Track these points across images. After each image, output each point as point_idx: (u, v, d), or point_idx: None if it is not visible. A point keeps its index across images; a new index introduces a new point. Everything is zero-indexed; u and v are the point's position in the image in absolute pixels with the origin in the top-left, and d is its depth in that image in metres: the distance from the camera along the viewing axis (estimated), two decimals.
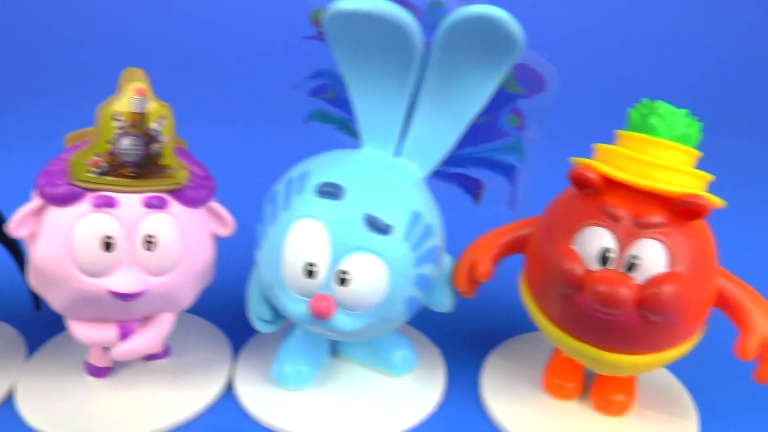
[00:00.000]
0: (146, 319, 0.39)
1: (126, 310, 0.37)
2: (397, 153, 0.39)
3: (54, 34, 1.11)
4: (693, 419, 0.41)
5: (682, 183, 0.35)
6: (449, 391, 0.43)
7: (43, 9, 1.12)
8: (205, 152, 0.40)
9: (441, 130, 0.38)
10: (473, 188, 0.41)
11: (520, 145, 0.40)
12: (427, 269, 0.37)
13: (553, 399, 0.42)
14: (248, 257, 0.40)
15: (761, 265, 0.61)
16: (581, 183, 0.37)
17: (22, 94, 1.00)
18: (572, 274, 0.35)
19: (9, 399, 0.39)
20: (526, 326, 0.46)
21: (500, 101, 0.39)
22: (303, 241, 0.35)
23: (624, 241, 0.35)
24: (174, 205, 0.36)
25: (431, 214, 0.38)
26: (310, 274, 0.36)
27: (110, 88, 0.35)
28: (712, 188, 0.36)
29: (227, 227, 0.39)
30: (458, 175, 0.41)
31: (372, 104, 0.38)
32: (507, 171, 0.41)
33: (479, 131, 0.40)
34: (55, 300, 0.36)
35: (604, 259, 0.35)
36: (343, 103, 0.39)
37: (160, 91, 0.36)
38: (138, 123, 0.34)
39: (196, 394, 0.40)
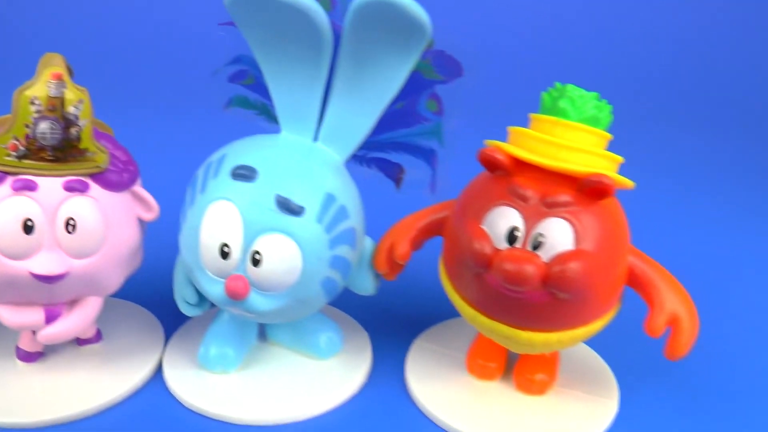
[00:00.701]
0: (73, 303, 0.40)
1: (50, 293, 0.38)
2: (316, 137, 0.40)
3: None
4: (614, 397, 0.42)
5: (590, 164, 0.36)
6: (374, 373, 0.44)
7: None
8: (131, 139, 0.41)
9: (357, 114, 0.39)
10: (394, 173, 0.42)
11: (440, 129, 0.41)
12: (343, 251, 0.38)
13: (476, 380, 0.43)
14: None
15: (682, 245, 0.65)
16: (490, 165, 0.38)
17: None
18: (481, 253, 0.36)
19: None
20: (454, 312, 0.47)
21: (418, 87, 0.40)
22: (217, 223, 0.36)
23: (531, 221, 0.36)
24: (95, 189, 0.37)
25: (347, 197, 0.39)
26: (224, 255, 0.37)
27: (28, 74, 0.36)
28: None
29: (152, 212, 0.40)
30: (379, 160, 0.42)
31: (288, 89, 0.39)
32: (427, 155, 0.42)
33: (398, 116, 0.41)
34: None
35: (511, 238, 0.36)
36: (261, 88, 0.40)
37: (81, 78, 0.37)
38: (55, 107, 0.35)
39: (126, 378, 0.41)
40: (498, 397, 0.42)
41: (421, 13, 0.35)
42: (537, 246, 0.36)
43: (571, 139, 0.37)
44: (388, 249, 0.41)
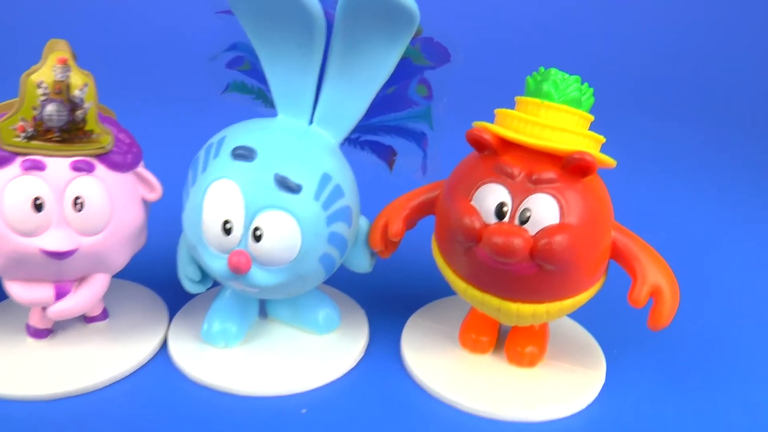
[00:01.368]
0: (81, 281, 0.41)
1: (59, 270, 0.40)
2: (311, 121, 0.42)
3: None
4: (601, 369, 0.44)
5: (573, 143, 0.38)
6: (371, 347, 0.45)
7: None
8: (133, 124, 0.43)
9: (350, 98, 0.41)
10: (387, 156, 0.44)
11: (429, 113, 0.43)
12: (340, 228, 0.40)
13: (469, 353, 0.45)
14: None
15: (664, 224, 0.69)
16: (478, 144, 0.40)
17: None
18: (471, 227, 0.38)
19: None
20: (448, 290, 0.49)
21: (408, 72, 0.42)
22: (219, 201, 0.38)
23: (518, 196, 0.38)
24: (100, 169, 0.39)
25: (342, 177, 0.41)
26: (227, 231, 0.38)
27: (32, 61, 0.38)
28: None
29: (155, 192, 0.42)
30: (372, 143, 0.44)
31: (283, 74, 0.41)
32: (418, 138, 0.43)
33: (390, 101, 0.42)
34: None
35: (500, 214, 0.38)
36: (258, 74, 0.42)
37: (83, 64, 0.38)
38: (61, 90, 0.37)
39: (132, 353, 0.43)
40: (490, 369, 0.43)
41: (409, 1, 0.37)
42: (524, 221, 0.37)
43: (555, 119, 0.38)
44: (382, 227, 0.43)
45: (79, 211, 0.38)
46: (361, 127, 0.43)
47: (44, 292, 0.40)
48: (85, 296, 0.41)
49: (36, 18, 1.16)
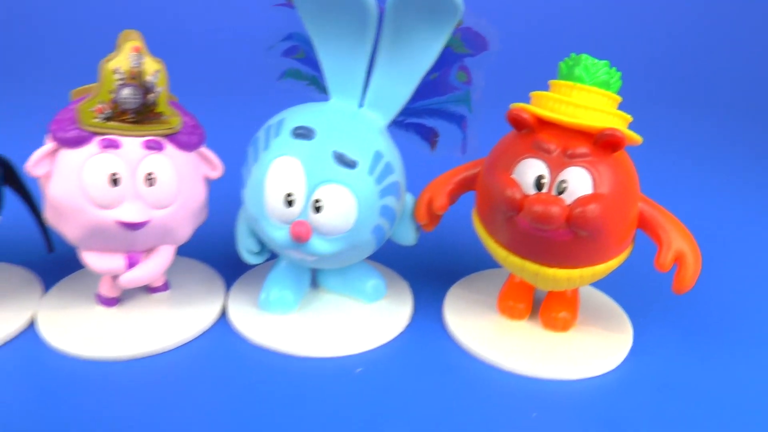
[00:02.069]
0: (149, 252, 0.45)
1: (132, 240, 0.43)
2: (361, 104, 0.45)
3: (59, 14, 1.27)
4: (629, 333, 0.47)
5: (604, 121, 0.42)
6: (416, 315, 0.49)
7: None
8: (195, 108, 0.47)
9: (397, 83, 0.45)
10: (429, 136, 0.48)
11: (468, 97, 0.47)
12: (391, 201, 0.44)
13: (507, 319, 0.48)
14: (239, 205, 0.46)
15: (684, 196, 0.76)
16: (517, 123, 0.43)
17: (33, 58, 1.20)
18: (512, 198, 0.41)
19: (30, 328, 0.45)
20: (487, 263, 0.53)
21: (449, 60, 0.45)
22: (282, 175, 0.42)
23: (555, 170, 0.41)
24: (170, 148, 0.42)
25: (392, 155, 0.44)
26: (289, 203, 0.42)
27: (105, 51, 0.41)
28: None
29: (217, 170, 0.45)
30: (416, 124, 0.48)
31: (336, 62, 0.45)
32: (458, 120, 0.47)
33: (432, 86, 0.46)
34: (70, 232, 0.42)
35: (539, 185, 0.41)
36: (312, 62, 0.46)
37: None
38: (136, 75, 0.41)
39: (194, 319, 0.46)
40: (526, 333, 0.47)
41: None
42: (561, 191, 0.41)
43: (587, 100, 0.42)
44: (427, 202, 0.46)
45: (151, 186, 0.42)
46: (406, 110, 0.46)
47: (117, 261, 0.44)
48: (155, 265, 0.44)
49: (104, 12, 1.26)
